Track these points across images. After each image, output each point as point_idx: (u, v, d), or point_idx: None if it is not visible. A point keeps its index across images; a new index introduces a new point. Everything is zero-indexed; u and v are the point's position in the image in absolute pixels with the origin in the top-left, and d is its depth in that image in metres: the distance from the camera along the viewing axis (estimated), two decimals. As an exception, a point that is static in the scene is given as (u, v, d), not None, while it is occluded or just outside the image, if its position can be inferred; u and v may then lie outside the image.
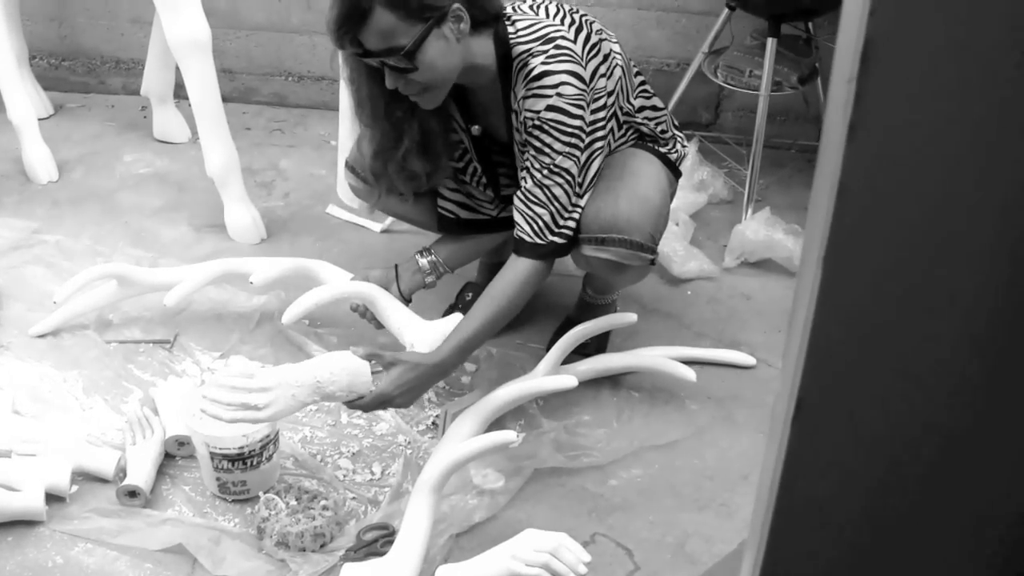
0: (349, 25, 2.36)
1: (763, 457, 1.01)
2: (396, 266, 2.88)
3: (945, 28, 0.74)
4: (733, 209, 3.60)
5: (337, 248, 3.39)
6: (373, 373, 2.40)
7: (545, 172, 2.52)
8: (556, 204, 2.54)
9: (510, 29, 2.54)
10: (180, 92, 3.83)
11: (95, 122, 4.21)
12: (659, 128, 2.78)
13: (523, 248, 2.58)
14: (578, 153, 2.53)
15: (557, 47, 2.49)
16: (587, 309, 2.92)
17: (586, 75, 2.49)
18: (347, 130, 3.36)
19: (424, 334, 2.70)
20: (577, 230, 2.61)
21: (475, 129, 2.70)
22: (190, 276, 3.00)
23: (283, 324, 2.81)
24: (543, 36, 2.51)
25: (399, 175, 2.67)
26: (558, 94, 2.47)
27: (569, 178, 2.54)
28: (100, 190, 3.75)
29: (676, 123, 2.90)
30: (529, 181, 2.55)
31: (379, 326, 2.82)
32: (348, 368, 2.38)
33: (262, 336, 3.03)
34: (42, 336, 3.02)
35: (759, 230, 3.33)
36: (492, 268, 3.04)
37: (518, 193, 2.59)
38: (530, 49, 2.51)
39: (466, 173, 2.82)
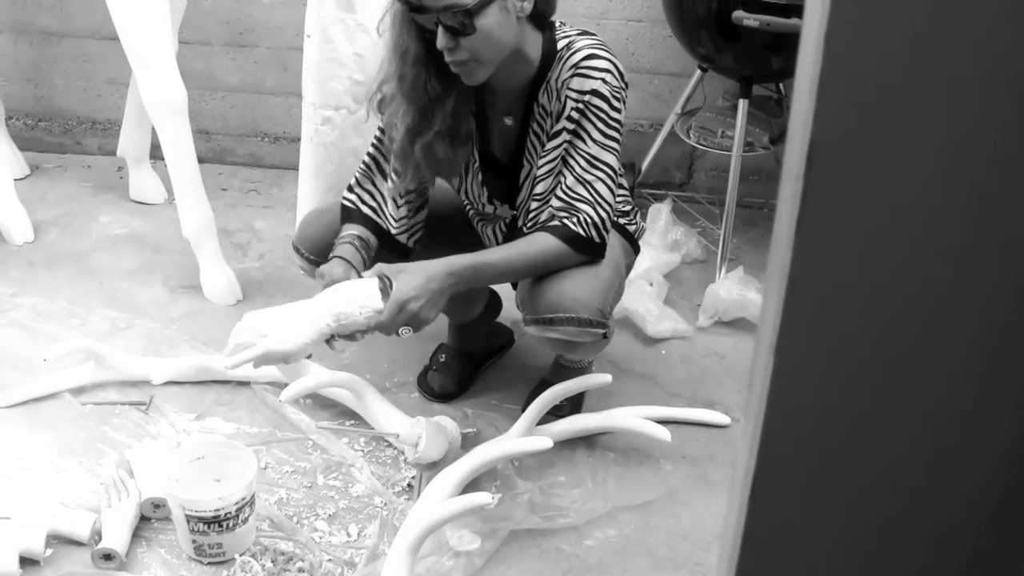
0: None
1: (723, 525, 1.02)
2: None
3: (888, 130, 0.77)
4: (706, 268, 3.63)
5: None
6: (380, 290, 2.43)
7: (584, 166, 2.52)
8: (601, 200, 2.53)
9: (558, 33, 2.57)
10: (156, 153, 3.84)
11: (71, 183, 4.23)
12: (619, 202, 2.79)
13: (559, 233, 2.53)
14: (616, 148, 2.54)
15: (602, 42, 2.55)
16: (562, 371, 2.93)
17: (623, 75, 2.53)
18: (306, 191, 3.37)
19: (408, 426, 2.73)
20: (523, 310, 2.63)
21: (508, 120, 2.67)
22: (177, 366, 3.05)
23: (282, 401, 2.80)
24: (589, 33, 2.57)
25: (425, 158, 2.59)
26: (604, 81, 2.49)
27: (611, 172, 2.54)
28: (75, 251, 3.75)
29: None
30: (570, 177, 2.53)
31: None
32: (355, 288, 2.44)
33: (239, 398, 3.03)
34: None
35: (732, 289, 3.35)
36: (461, 330, 3.06)
37: (557, 192, 2.55)
38: (574, 39, 2.54)
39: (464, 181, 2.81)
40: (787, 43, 3.26)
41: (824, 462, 0.92)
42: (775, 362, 0.85)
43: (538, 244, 2.55)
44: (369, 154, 2.76)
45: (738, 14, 3.19)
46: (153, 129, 3.62)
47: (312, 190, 3.35)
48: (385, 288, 2.44)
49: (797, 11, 3.17)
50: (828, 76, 0.74)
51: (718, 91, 3.83)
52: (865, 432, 0.89)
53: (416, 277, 2.45)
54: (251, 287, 3.51)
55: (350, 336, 2.49)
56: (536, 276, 2.59)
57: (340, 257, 2.62)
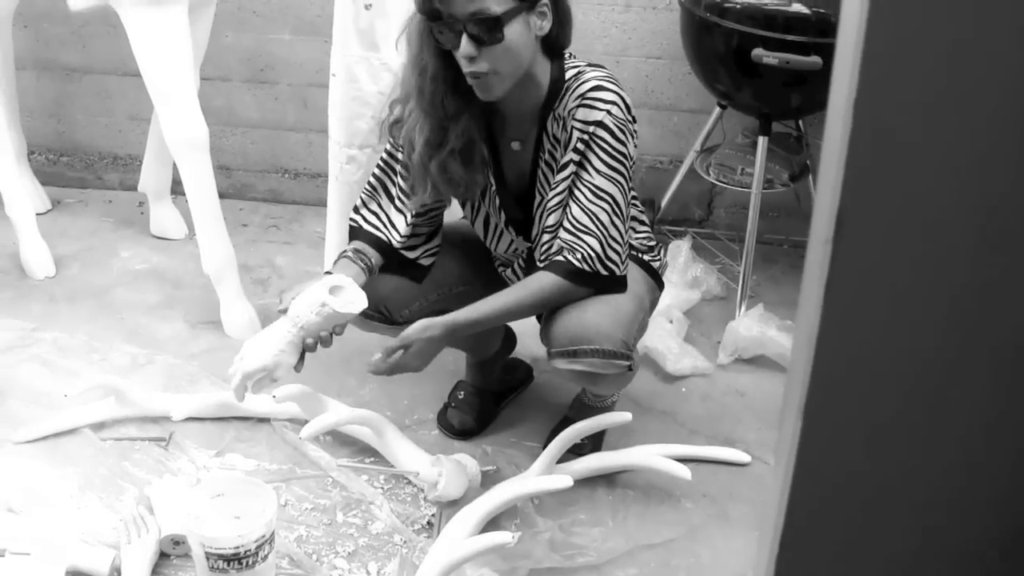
0: None
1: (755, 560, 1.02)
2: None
3: (916, 196, 0.77)
4: (726, 305, 3.63)
5: (333, 345, 3.38)
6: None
7: (589, 196, 2.54)
8: (604, 231, 2.55)
9: (567, 64, 2.60)
10: (177, 188, 3.86)
11: (92, 218, 4.24)
12: (641, 238, 2.81)
13: (559, 269, 2.57)
14: (622, 180, 2.55)
15: (611, 75, 2.58)
16: (584, 409, 2.93)
17: (631, 108, 2.56)
18: (333, 229, 3.38)
19: (428, 464, 2.73)
20: (547, 344, 2.63)
21: (515, 145, 2.69)
22: (197, 402, 3.07)
23: (302, 438, 2.80)
24: (598, 65, 2.61)
25: (440, 175, 2.60)
26: (609, 112, 2.51)
27: (614, 204, 2.55)
28: (96, 286, 3.76)
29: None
30: (574, 208, 2.55)
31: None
32: (308, 292, 2.53)
33: (259, 434, 3.03)
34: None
35: (752, 327, 3.35)
36: (480, 367, 3.06)
37: (564, 223, 2.58)
38: (584, 70, 2.58)
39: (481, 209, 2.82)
40: (806, 81, 3.26)
41: (851, 522, 0.92)
42: (803, 424, 0.85)
43: (538, 286, 2.58)
44: (375, 175, 2.77)
45: (757, 52, 3.20)
46: (174, 165, 3.64)
47: (338, 228, 3.35)
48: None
49: (816, 49, 3.18)
50: (856, 143, 0.74)
51: (737, 128, 3.84)
52: (891, 491, 0.89)
53: (419, 324, 2.54)
54: (271, 323, 3.50)
55: (324, 340, 2.55)
56: (553, 310, 2.62)
57: (329, 272, 2.65)
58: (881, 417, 0.86)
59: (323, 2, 3.92)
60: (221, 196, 3.45)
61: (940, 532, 0.92)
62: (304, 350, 2.55)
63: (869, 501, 0.90)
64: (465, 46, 2.40)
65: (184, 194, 3.43)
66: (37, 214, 4.01)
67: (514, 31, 2.42)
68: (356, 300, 2.51)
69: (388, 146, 2.74)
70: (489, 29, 2.39)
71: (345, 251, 2.71)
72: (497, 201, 2.73)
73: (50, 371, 3.27)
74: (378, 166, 2.77)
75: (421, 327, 2.54)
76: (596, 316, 2.56)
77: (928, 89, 0.75)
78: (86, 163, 4.48)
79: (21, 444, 2.97)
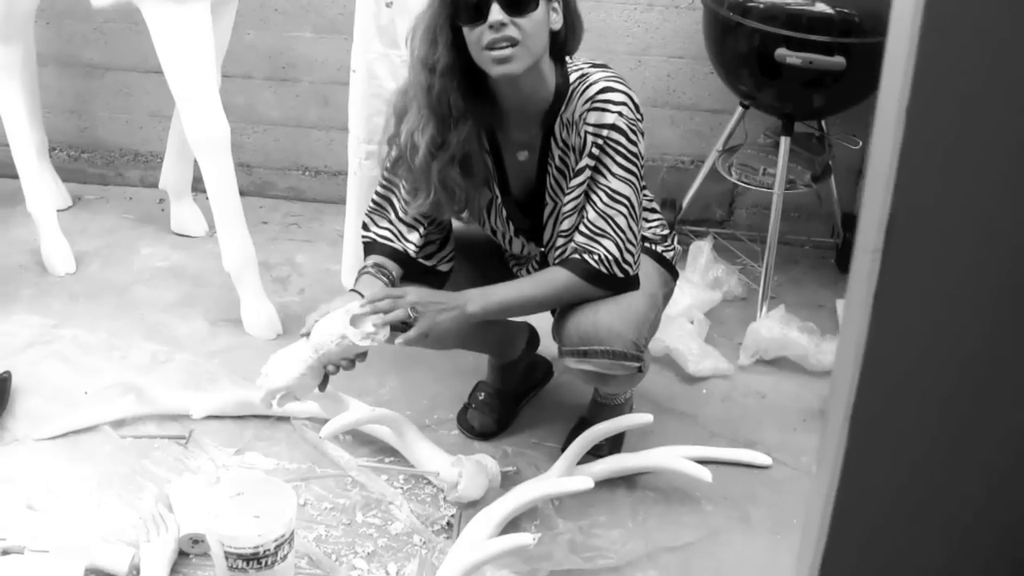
0: None
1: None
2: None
3: (967, 205, 0.76)
4: (747, 307, 3.61)
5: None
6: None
7: (606, 200, 2.53)
8: (621, 235, 2.55)
9: (570, 67, 2.59)
10: (198, 185, 3.86)
11: (113, 214, 4.25)
12: (654, 227, 2.80)
13: (576, 267, 2.57)
14: (635, 180, 2.55)
15: (615, 73, 2.57)
16: (600, 409, 2.92)
17: (639, 106, 2.55)
18: (352, 223, 3.37)
19: (448, 465, 2.74)
20: (558, 342, 2.63)
21: (521, 155, 2.67)
22: (217, 400, 3.09)
23: (322, 437, 2.81)
24: (600, 65, 2.60)
25: (442, 185, 2.59)
26: (619, 114, 2.51)
27: (630, 206, 2.55)
28: (117, 283, 3.77)
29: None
30: (591, 212, 2.55)
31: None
32: (328, 320, 2.50)
33: (278, 433, 3.02)
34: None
35: (774, 328, 3.34)
36: (502, 369, 3.05)
37: (581, 229, 2.58)
38: (587, 71, 2.57)
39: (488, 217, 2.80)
40: (829, 81, 3.25)
41: (896, 533, 0.90)
42: (849, 435, 0.84)
43: (556, 279, 2.58)
44: (379, 193, 2.75)
45: (780, 52, 3.19)
46: (195, 162, 3.64)
47: (356, 224, 3.35)
48: (408, 316, 2.50)
49: (839, 49, 3.16)
50: (908, 151, 0.72)
51: (759, 128, 3.82)
52: (936, 509, 0.88)
53: (426, 292, 2.55)
54: (291, 321, 3.51)
55: (345, 366, 2.53)
56: (565, 306, 2.63)
57: (355, 291, 2.63)
58: (928, 428, 0.85)
59: (345, 0, 3.92)
60: (242, 193, 3.45)
61: (983, 544, 0.91)
62: (327, 373, 2.56)
63: (914, 513, 0.89)
64: (495, 13, 2.38)
65: (205, 191, 3.43)
66: (58, 210, 4.02)
67: (542, 8, 2.42)
68: (377, 332, 2.48)
69: (386, 170, 2.72)
70: None
71: (365, 267, 2.69)
72: (504, 213, 2.72)
73: (71, 368, 3.27)
74: (381, 184, 2.75)
75: (432, 322, 2.52)
76: (607, 316, 2.56)
77: (981, 96, 0.73)
78: (107, 160, 4.49)
79: (41, 441, 2.97)
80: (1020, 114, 0.74)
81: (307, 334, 2.53)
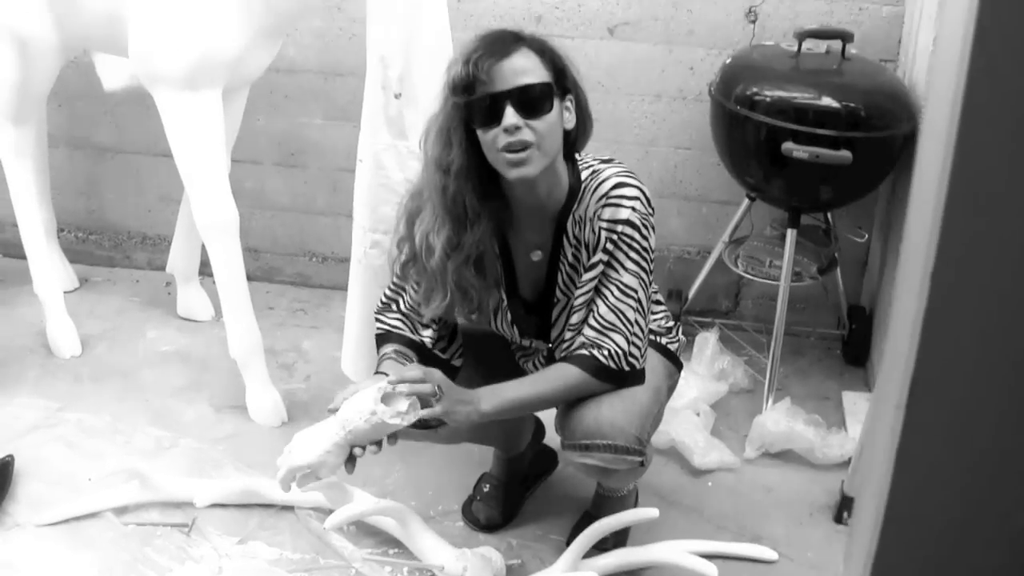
0: (493, 51, 2.39)
1: None
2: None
3: (989, 369, 0.76)
4: (753, 398, 3.60)
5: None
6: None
7: (617, 294, 2.53)
8: (630, 328, 2.54)
9: (580, 164, 2.60)
10: (205, 270, 3.87)
11: (120, 297, 4.25)
12: (659, 319, 2.81)
13: (584, 363, 2.55)
14: (645, 276, 2.56)
15: (626, 168, 2.58)
16: (604, 502, 2.90)
17: (650, 200, 2.56)
18: (354, 312, 3.37)
19: (453, 558, 2.72)
20: (561, 435, 2.62)
21: (536, 255, 2.66)
22: (221, 488, 3.05)
23: (326, 527, 2.78)
24: (610, 161, 2.61)
25: (457, 286, 2.58)
26: (633, 208, 2.51)
27: (639, 300, 2.55)
28: (122, 366, 3.76)
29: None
30: (602, 306, 2.54)
31: None
32: (358, 398, 2.45)
33: (282, 523, 3.00)
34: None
35: (780, 421, 3.32)
36: (508, 461, 3.04)
37: (590, 320, 2.56)
38: (597, 168, 2.58)
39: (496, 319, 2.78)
40: (835, 174, 3.27)
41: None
42: (877, 551, 0.83)
43: (566, 376, 2.56)
44: (391, 289, 2.75)
45: (788, 146, 3.21)
46: (203, 246, 3.65)
47: (359, 311, 3.35)
48: (435, 393, 2.45)
49: (846, 143, 3.18)
50: (932, 314, 0.73)
51: (766, 219, 3.84)
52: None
53: (452, 389, 2.50)
54: (297, 409, 3.50)
55: (375, 447, 2.49)
56: (569, 402, 2.61)
57: (381, 372, 2.61)
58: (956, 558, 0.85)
59: (355, 88, 3.95)
60: (249, 278, 3.45)
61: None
62: (353, 455, 2.51)
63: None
64: (510, 116, 2.38)
65: (212, 276, 3.44)
66: (65, 292, 4.03)
67: (555, 110, 2.43)
68: (408, 411, 2.46)
69: (396, 275, 2.73)
70: (538, 99, 2.40)
71: (386, 353, 2.67)
72: (509, 317, 2.72)
73: (74, 452, 3.26)
74: (390, 288, 2.75)
75: (452, 407, 2.48)
76: (610, 411, 2.54)
77: (1001, 276, 0.74)
78: (115, 242, 4.51)
79: (43, 526, 2.95)
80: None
81: (335, 410, 2.49)
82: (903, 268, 0.77)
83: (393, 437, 2.48)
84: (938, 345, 0.75)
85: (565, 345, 2.62)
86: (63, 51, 3.54)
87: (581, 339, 2.57)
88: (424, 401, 2.44)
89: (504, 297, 2.68)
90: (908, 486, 0.79)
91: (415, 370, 2.46)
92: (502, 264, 2.66)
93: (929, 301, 0.73)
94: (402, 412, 2.41)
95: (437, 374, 2.47)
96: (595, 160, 2.61)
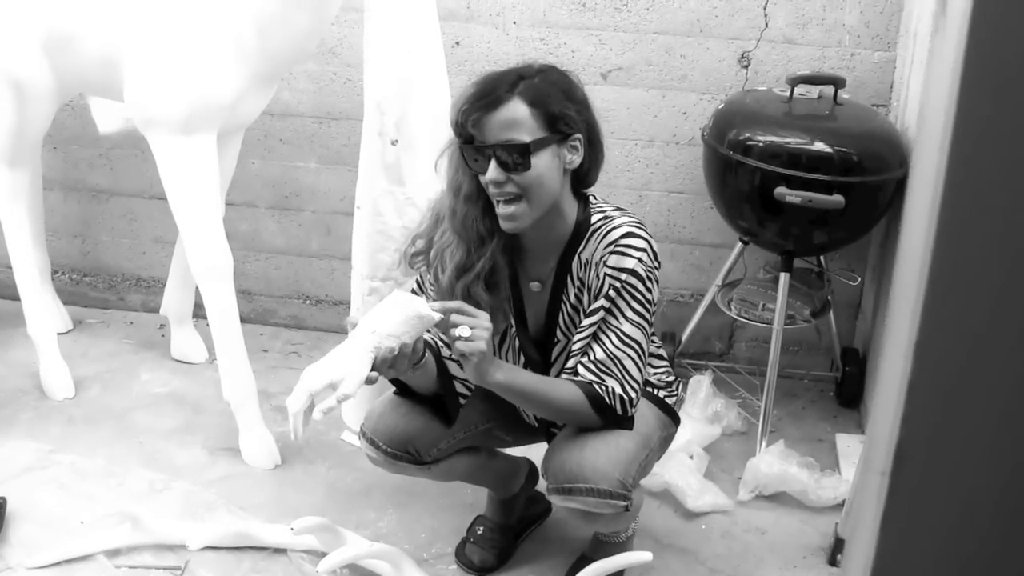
0: (481, 104, 2.41)
1: None
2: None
3: (973, 433, 0.77)
4: (747, 441, 3.61)
5: (351, 476, 3.37)
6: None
7: (616, 342, 2.53)
8: (627, 376, 2.54)
9: (592, 207, 2.62)
10: (199, 312, 3.88)
11: (113, 339, 4.26)
12: (659, 373, 2.81)
13: (584, 387, 2.54)
14: (646, 326, 2.57)
15: (638, 220, 2.59)
16: (601, 546, 2.89)
17: (657, 255, 2.57)
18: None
19: None
20: (545, 479, 2.62)
21: (534, 286, 2.68)
22: (213, 531, 3.04)
23: (319, 571, 2.77)
24: (624, 211, 2.62)
25: (466, 299, 2.55)
26: (640, 260, 2.52)
27: (640, 350, 2.56)
28: (116, 409, 3.76)
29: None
30: (600, 352, 2.54)
31: None
32: (387, 301, 2.34)
33: (275, 566, 2.99)
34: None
35: (773, 463, 3.32)
36: (502, 503, 3.03)
37: (587, 363, 2.55)
38: (610, 214, 2.59)
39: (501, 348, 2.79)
40: (829, 219, 3.28)
41: None
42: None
43: (569, 390, 2.55)
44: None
45: (780, 191, 3.22)
46: (197, 289, 3.66)
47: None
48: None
49: (839, 188, 3.20)
50: (916, 384, 0.74)
51: (759, 263, 3.85)
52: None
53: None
54: (290, 452, 3.50)
55: (401, 355, 2.36)
56: (553, 443, 2.63)
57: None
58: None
59: (349, 132, 3.98)
60: (243, 320, 3.46)
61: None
62: (376, 365, 2.35)
63: None
64: (492, 171, 2.43)
65: (206, 318, 3.44)
66: (59, 334, 4.03)
67: (543, 160, 2.44)
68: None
69: (416, 284, 2.74)
70: (517, 156, 2.42)
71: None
72: (517, 343, 2.72)
73: (67, 494, 3.25)
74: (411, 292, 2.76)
75: (467, 361, 2.41)
76: (592, 454, 2.54)
77: (989, 334, 0.75)
78: (109, 284, 4.51)
79: (35, 569, 2.94)
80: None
81: (354, 324, 2.39)
82: (889, 338, 0.78)
83: (418, 361, 2.46)
84: (924, 409, 0.76)
85: (564, 376, 2.62)
86: (58, 94, 3.56)
87: (580, 377, 2.57)
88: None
89: (513, 323, 2.69)
90: (894, 552, 0.80)
91: (455, 303, 2.42)
92: (511, 287, 2.67)
93: (915, 366, 0.73)
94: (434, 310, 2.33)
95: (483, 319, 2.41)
96: (609, 207, 2.63)
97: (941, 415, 0.77)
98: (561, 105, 2.47)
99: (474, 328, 2.36)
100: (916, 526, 0.80)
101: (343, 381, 2.28)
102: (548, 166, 2.46)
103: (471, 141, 2.46)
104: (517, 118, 2.42)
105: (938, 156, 0.71)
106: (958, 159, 0.71)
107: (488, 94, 2.43)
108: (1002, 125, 0.73)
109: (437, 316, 2.34)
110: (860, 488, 0.82)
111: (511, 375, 2.51)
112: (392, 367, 2.39)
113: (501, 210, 2.48)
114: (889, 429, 0.77)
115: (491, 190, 2.47)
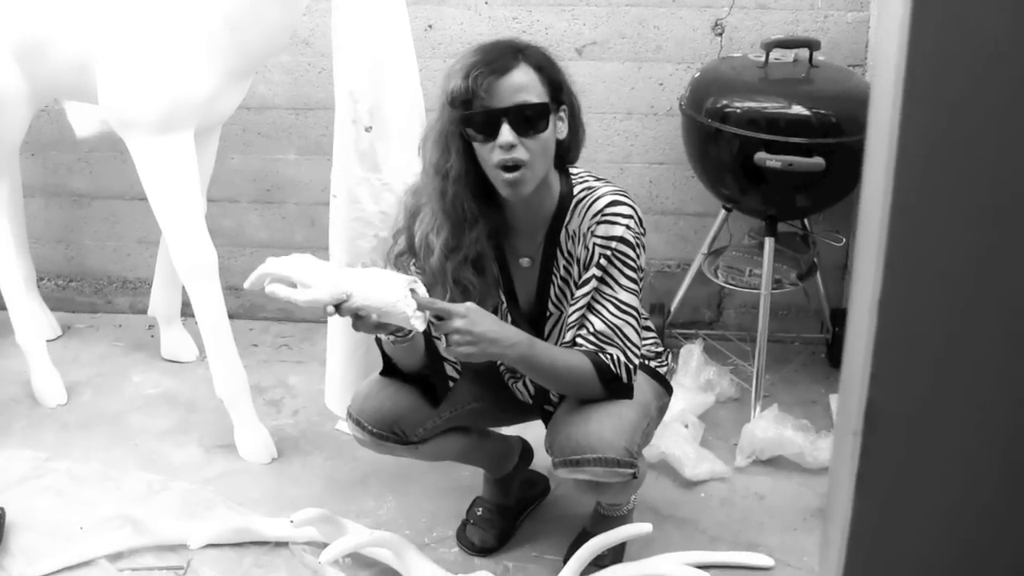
0: (491, 69, 2.41)
1: None
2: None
3: (943, 393, 0.77)
4: (741, 407, 3.61)
5: (348, 466, 3.37)
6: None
7: (613, 311, 2.55)
8: (627, 343, 2.56)
9: (574, 178, 2.63)
10: (187, 310, 3.87)
11: (103, 343, 4.25)
12: (648, 344, 2.82)
13: (591, 356, 2.54)
14: (638, 290, 2.58)
15: (621, 188, 2.61)
16: (603, 520, 2.90)
17: (642, 220, 2.58)
18: (335, 345, 3.38)
19: None
20: (551, 454, 2.62)
21: (524, 261, 2.69)
22: (214, 529, 3.04)
23: (321, 562, 2.77)
24: (605, 180, 2.63)
25: (456, 283, 2.59)
26: (627, 227, 2.53)
27: (636, 315, 2.57)
28: (109, 412, 3.76)
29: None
30: (599, 323, 2.55)
31: None
32: (394, 292, 2.31)
33: (277, 560, 3.00)
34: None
35: (768, 428, 3.33)
36: (499, 483, 3.04)
37: (586, 336, 2.56)
38: (593, 184, 2.61)
39: None
40: (811, 181, 3.28)
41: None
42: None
43: (578, 359, 2.55)
44: None
45: (760, 156, 3.22)
46: (184, 288, 3.65)
47: (340, 345, 3.36)
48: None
49: (818, 150, 3.20)
50: (883, 342, 0.74)
51: (743, 229, 3.85)
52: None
53: (487, 321, 2.43)
54: (286, 444, 3.50)
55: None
56: (556, 419, 2.63)
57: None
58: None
59: (327, 122, 3.96)
60: (231, 316, 3.45)
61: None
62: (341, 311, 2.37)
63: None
64: (505, 134, 2.42)
65: (194, 317, 3.43)
66: (47, 341, 4.02)
67: (550, 127, 2.47)
68: (419, 318, 2.34)
69: (391, 264, 2.74)
70: (534, 118, 2.43)
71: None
72: (509, 319, 2.72)
73: (65, 501, 3.25)
74: None
75: (490, 319, 2.45)
76: (597, 426, 2.55)
77: (953, 288, 0.75)
78: (96, 288, 4.50)
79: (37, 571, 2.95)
80: (997, 296, 0.75)
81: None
82: (854, 296, 0.78)
83: (407, 333, 2.48)
84: (893, 368, 0.76)
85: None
86: (33, 101, 3.54)
87: (578, 350, 2.58)
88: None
89: (503, 299, 2.69)
90: (871, 512, 0.80)
91: (443, 305, 2.41)
92: (499, 268, 2.68)
93: (879, 323, 0.74)
94: (419, 315, 2.33)
95: (461, 323, 2.38)
96: (590, 177, 2.63)
97: (910, 373, 0.77)
98: (559, 73, 2.51)
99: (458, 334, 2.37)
100: (891, 486, 0.80)
101: (303, 288, 2.37)
102: (551, 133, 2.49)
103: (474, 107, 2.44)
104: (528, 82, 2.44)
105: (891, 112, 0.71)
106: (911, 113, 0.71)
107: (495, 60, 2.43)
108: (954, 75, 0.73)
109: (420, 327, 2.35)
110: (834, 450, 0.83)
111: (532, 351, 2.49)
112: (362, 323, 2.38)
113: (505, 176, 2.47)
114: (859, 389, 0.77)
115: (497, 157, 2.44)
